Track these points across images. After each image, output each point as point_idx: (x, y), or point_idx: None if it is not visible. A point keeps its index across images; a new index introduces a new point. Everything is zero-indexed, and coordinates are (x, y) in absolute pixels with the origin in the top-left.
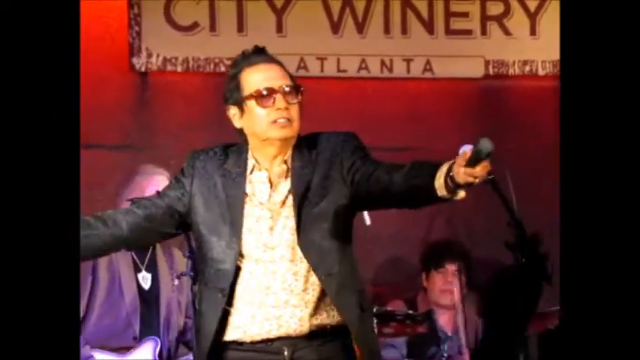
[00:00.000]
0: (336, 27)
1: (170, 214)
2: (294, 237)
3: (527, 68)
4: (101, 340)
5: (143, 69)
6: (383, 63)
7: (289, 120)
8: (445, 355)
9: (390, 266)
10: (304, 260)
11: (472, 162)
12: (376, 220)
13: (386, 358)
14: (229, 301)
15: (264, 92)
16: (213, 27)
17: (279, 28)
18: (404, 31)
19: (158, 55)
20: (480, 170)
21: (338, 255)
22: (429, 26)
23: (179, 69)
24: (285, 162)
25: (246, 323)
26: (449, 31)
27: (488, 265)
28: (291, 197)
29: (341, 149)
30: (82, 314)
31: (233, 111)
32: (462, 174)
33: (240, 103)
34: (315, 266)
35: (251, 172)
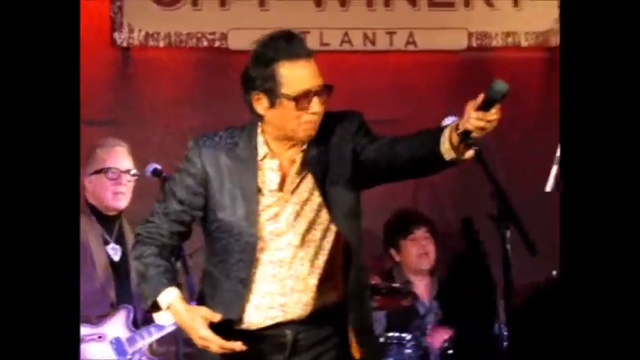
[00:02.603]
0: (318, 1)
1: (196, 210)
2: (301, 222)
3: (510, 40)
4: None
5: (125, 44)
6: (366, 36)
7: (316, 122)
8: (428, 327)
9: (372, 239)
10: (311, 244)
11: (486, 105)
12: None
13: None
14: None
15: (305, 95)
16: (195, 1)
17: (262, 3)
18: (386, 4)
19: (140, 30)
20: (494, 114)
21: (360, 231)
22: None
23: (161, 44)
24: (303, 151)
25: (250, 313)
26: (432, 4)
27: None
28: (302, 185)
29: (348, 129)
30: None
31: (259, 98)
32: (473, 119)
33: (272, 97)
34: (350, 240)
35: (262, 159)
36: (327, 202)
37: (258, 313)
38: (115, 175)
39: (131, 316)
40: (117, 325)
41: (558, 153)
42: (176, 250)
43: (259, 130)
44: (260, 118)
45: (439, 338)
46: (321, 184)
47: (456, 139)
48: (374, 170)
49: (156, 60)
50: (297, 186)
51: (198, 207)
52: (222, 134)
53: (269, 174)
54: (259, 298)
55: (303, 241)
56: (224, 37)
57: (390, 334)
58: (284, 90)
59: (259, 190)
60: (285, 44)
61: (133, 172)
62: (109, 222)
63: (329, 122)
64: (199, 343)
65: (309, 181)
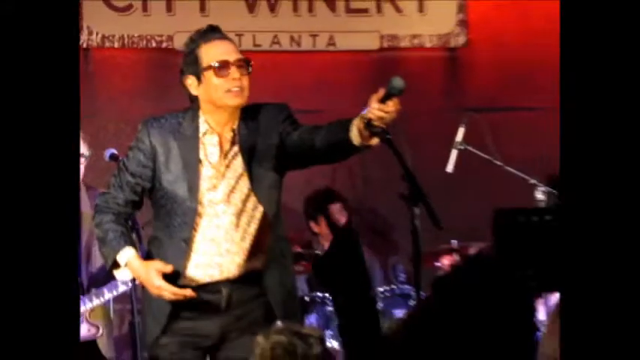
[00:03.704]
0: (251, 7)
1: (146, 181)
2: (236, 194)
3: (416, 41)
4: None
5: (85, 45)
6: (292, 38)
7: (241, 89)
8: None
9: (297, 214)
10: (244, 213)
11: (385, 98)
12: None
13: None
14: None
15: (222, 64)
16: (145, 8)
17: (203, 9)
18: (310, 10)
19: (98, 33)
20: (392, 106)
21: (278, 204)
22: (332, 6)
23: (116, 45)
24: (233, 130)
25: (191, 270)
26: (349, 10)
27: (383, 213)
28: (235, 161)
29: (276, 117)
30: None
31: (190, 80)
32: (374, 110)
33: (198, 74)
34: (268, 211)
35: (203, 135)
36: (252, 178)
37: (198, 271)
38: None
39: (83, 282)
40: None
41: (458, 138)
42: (131, 221)
43: (200, 112)
44: (195, 99)
45: None
46: (249, 161)
47: (362, 126)
48: (296, 153)
49: (112, 59)
50: (231, 161)
51: (147, 178)
52: (167, 116)
53: (210, 148)
54: (199, 257)
55: (238, 210)
56: (170, 39)
57: (315, 293)
58: (204, 64)
59: (200, 162)
60: (203, 33)
61: (84, 153)
62: None
63: (259, 110)
64: (154, 291)
65: (241, 158)
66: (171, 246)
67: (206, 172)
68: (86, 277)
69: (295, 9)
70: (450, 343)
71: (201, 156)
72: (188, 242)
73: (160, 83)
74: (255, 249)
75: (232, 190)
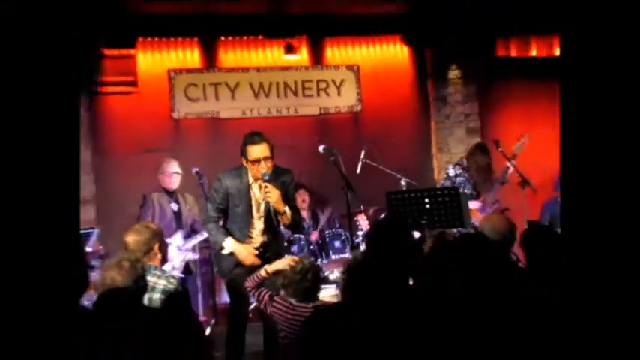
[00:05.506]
0: (256, 95)
1: (224, 206)
2: (265, 213)
3: (337, 109)
4: None
5: (176, 117)
6: (277, 109)
7: (266, 172)
8: (310, 232)
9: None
10: (267, 220)
11: (263, 182)
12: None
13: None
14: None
15: (255, 161)
16: (205, 98)
17: (233, 97)
18: (285, 95)
19: (182, 111)
20: (265, 188)
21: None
22: (295, 92)
23: (192, 117)
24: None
25: (246, 242)
26: (304, 95)
27: (331, 197)
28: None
29: (286, 181)
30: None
31: (242, 158)
32: (264, 195)
33: (246, 159)
34: (271, 221)
35: (252, 183)
36: (270, 209)
37: (250, 243)
38: (170, 174)
39: (183, 234)
40: (177, 238)
41: (362, 156)
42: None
43: (248, 172)
44: (245, 167)
45: (315, 236)
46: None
47: (275, 208)
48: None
49: (190, 125)
50: (264, 199)
51: (224, 205)
52: (233, 170)
53: (256, 191)
54: (250, 238)
55: (265, 219)
56: (217, 112)
57: (294, 235)
58: (248, 157)
59: (250, 198)
60: (251, 138)
61: (180, 172)
62: (171, 194)
63: (281, 172)
64: (245, 260)
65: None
66: (240, 233)
67: (253, 203)
68: (187, 233)
69: (278, 95)
70: (379, 253)
71: (251, 194)
72: (247, 234)
73: (212, 135)
74: (269, 234)
75: (263, 210)
